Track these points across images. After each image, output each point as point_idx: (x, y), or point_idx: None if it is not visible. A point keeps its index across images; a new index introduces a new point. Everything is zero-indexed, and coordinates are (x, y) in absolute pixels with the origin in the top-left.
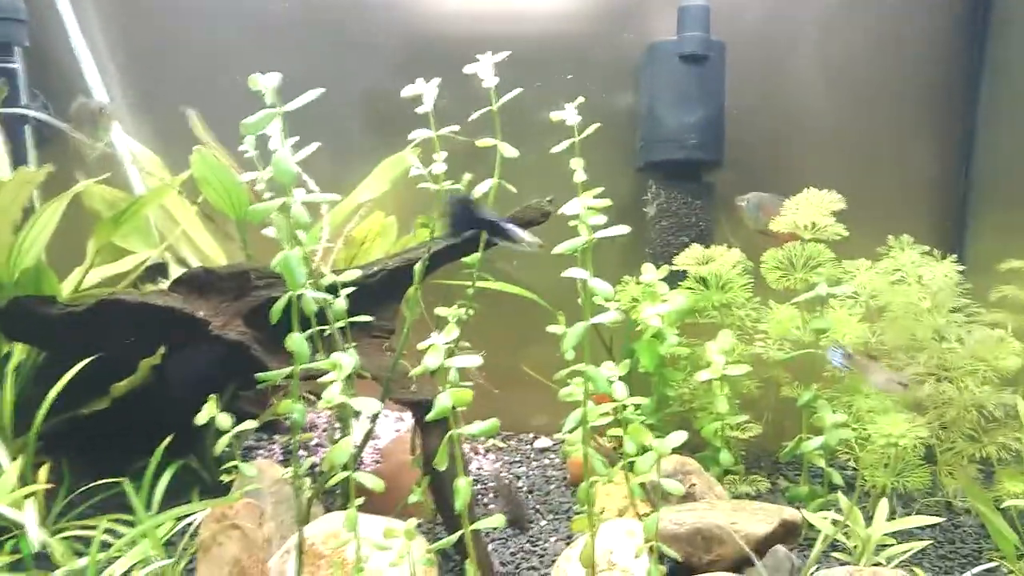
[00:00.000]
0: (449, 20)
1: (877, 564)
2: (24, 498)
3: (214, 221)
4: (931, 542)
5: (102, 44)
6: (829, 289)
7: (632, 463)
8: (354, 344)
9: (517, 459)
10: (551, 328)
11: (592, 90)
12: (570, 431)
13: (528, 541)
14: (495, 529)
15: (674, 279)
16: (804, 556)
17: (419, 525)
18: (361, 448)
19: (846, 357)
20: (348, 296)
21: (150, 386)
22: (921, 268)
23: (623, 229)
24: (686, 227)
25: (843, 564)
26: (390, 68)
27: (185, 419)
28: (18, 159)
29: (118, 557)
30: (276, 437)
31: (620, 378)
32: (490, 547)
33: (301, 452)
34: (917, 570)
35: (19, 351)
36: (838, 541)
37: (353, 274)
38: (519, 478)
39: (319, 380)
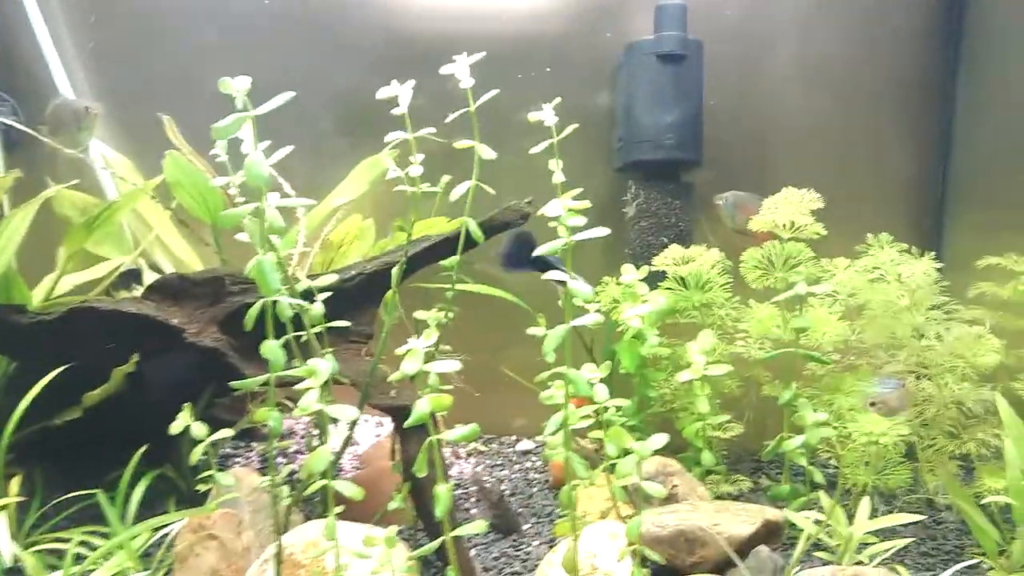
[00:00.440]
0: (425, 19)
1: (859, 563)
2: None
3: (188, 226)
4: (913, 540)
5: (70, 45)
6: (808, 288)
7: (614, 465)
8: (331, 349)
9: (499, 462)
10: (531, 330)
11: (570, 90)
12: (551, 434)
13: (511, 545)
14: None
15: (654, 280)
16: (787, 556)
17: (400, 531)
18: (340, 455)
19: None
20: (325, 301)
21: (123, 395)
22: (900, 266)
23: (603, 231)
24: (665, 227)
25: (825, 563)
26: (366, 68)
27: (160, 428)
28: None
29: (93, 570)
30: (253, 445)
31: (601, 380)
32: (472, 551)
33: (280, 459)
34: (899, 568)
35: None
36: (820, 540)
37: (329, 278)
38: (501, 481)
39: (296, 387)
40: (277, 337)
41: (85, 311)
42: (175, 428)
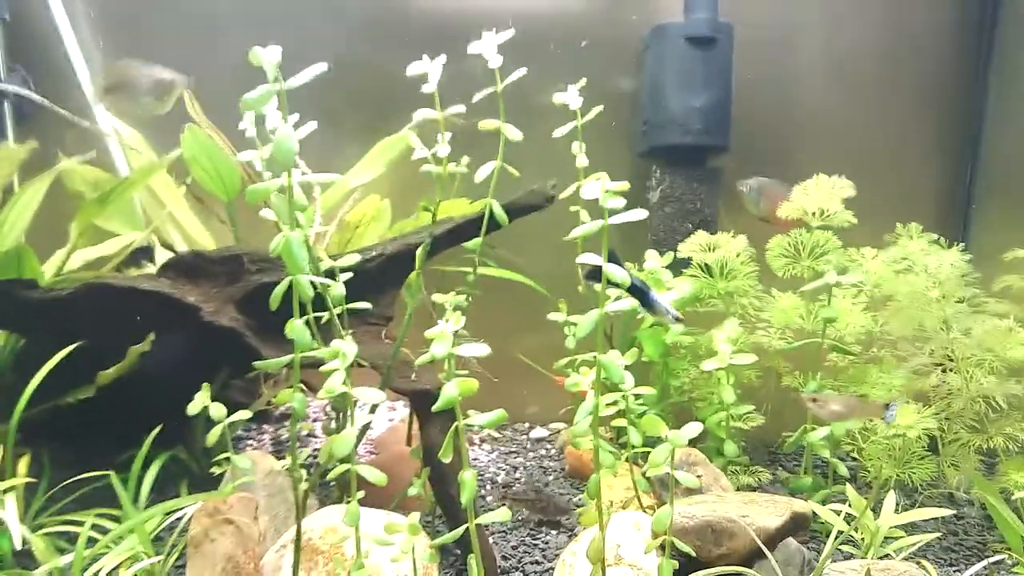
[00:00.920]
0: None
1: (886, 556)
2: (3, 493)
3: (203, 203)
4: (938, 535)
5: (83, 15)
6: (838, 277)
7: (636, 455)
8: (351, 331)
9: (513, 450)
10: (552, 316)
11: (592, 72)
12: (580, 422)
13: (529, 534)
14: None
15: (676, 267)
16: (810, 548)
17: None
18: (359, 439)
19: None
20: (345, 282)
21: (134, 374)
22: (928, 257)
23: (641, 213)
24: (690, 213)
25: (851, 556)
26: (383, 44)
27: (172, 408)
28: None
29: (104, 554)
30: (266, 427)
31: (626, 368)
32: (490, 540)
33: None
34: (924, 562)
35: None
36: (842, 531)
37: (352, 259)
38: (516, 469)
39: (320, 369)
40: (300, 318)
41: (99, 287)
42: (193, 408)
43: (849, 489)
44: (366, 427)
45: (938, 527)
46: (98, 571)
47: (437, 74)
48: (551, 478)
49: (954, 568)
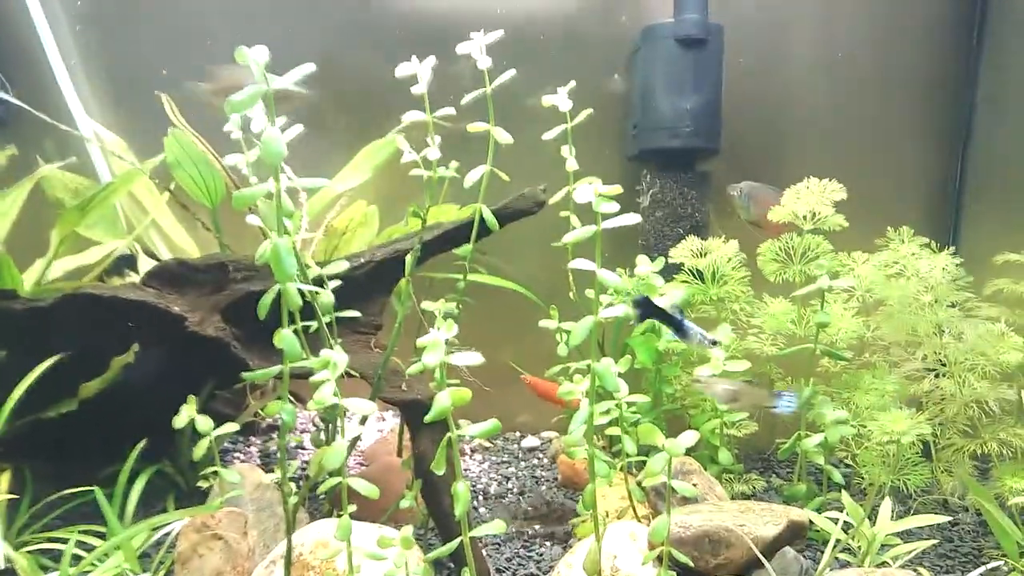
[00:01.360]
0: None
1: (883, 564)
2: None
3: (188, 209)
4: (934, 541)
5: (62, 18)
6: (831, 282)
7: (631, 464)
8: (339, 340)
9: (505, 460)
10: (544, 323)
11: (581, 75)
12: (574, 431)
13: (523, 546)
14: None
15: (668, 272)
16: (806, 556)
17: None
18: (349, 451)
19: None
20: (333, 290)
21: (119, 386)
22: (920, 261)
23: (634, 218)
24: (681, 218)
25: (847, 564)
26: (371, 47)
27: (157, 421)
28: None
29: (89, 571)
30: (253, 439)
31: (619, 375)
32: (484, 553)
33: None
34: (920, 569)
35: None
36: (839, 540)
37: (340, 266)
38: (508, 479)
39: (309, 379)
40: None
41: (81, 297)
42: (179, 422)
43: (845, 496)
44: (356, 438)
45: (933, 534)
46: None
47: (427, 76)
48: (543, 488)
49: (950, 575)
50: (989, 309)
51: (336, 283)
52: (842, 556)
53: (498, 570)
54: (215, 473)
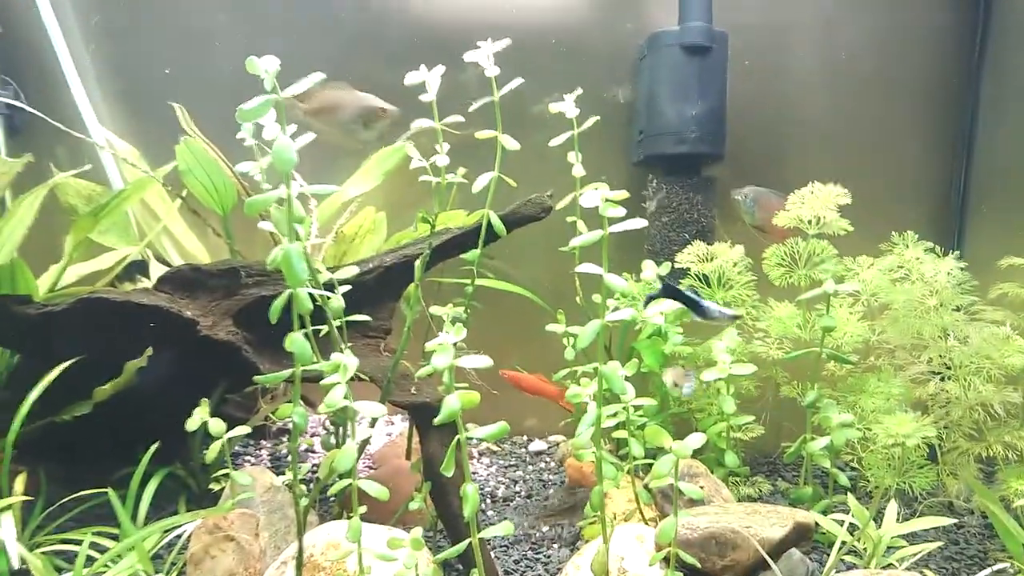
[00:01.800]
0: (444, 7)
1: (889, 566)
2: (0, 511)
3: (199, 216)
4: (939, 544)
5: (76, 28)
6: (836, 286)
7: (638, 466)
8: (349, 345)
9: (512, 463)
10: (551, 327)
11: (587, 82)
12: (582, 434)
13: (530, 548)
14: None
15: (674, 276)
16: (812, 558)
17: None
18: (359, 454)
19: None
20: (343, 294)
21: (132, 390)
22: (924, 265)
23: (640, 223)
24: (687, 223)
25: (853, 566)
26: (380, 56)
27: (170, 424)
28: None
29: (103, 572)
30: (263, 442)
31: (626, 379)
32: (492, 555)
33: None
34: (926, 572)
35: None
36: (845, 541)
37: (350, 271)
38: (516, 482)
39: (320, 383)
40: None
41: (95, 302)
42: (192, 424)
43: (851, 499)
44: (366, 441)
45: (939, 536)
46: None
47: (436, 83)
48: (551, 491)
49: None
50: (994, 313)
51: (346, 288)
52: (848, 558)
53: (506, 572)
54: (227, 475)
